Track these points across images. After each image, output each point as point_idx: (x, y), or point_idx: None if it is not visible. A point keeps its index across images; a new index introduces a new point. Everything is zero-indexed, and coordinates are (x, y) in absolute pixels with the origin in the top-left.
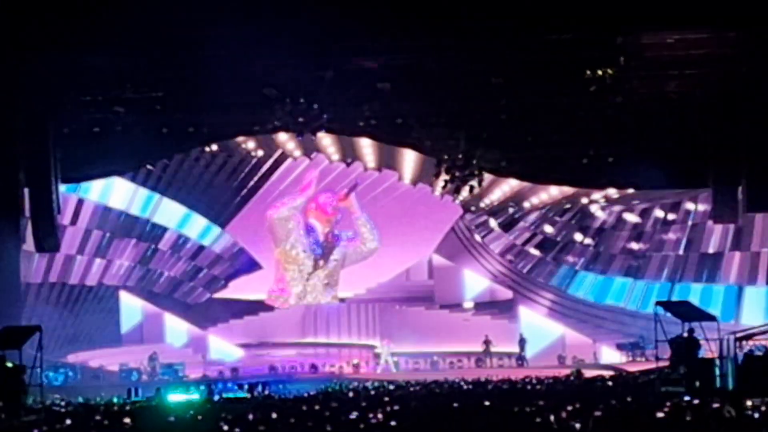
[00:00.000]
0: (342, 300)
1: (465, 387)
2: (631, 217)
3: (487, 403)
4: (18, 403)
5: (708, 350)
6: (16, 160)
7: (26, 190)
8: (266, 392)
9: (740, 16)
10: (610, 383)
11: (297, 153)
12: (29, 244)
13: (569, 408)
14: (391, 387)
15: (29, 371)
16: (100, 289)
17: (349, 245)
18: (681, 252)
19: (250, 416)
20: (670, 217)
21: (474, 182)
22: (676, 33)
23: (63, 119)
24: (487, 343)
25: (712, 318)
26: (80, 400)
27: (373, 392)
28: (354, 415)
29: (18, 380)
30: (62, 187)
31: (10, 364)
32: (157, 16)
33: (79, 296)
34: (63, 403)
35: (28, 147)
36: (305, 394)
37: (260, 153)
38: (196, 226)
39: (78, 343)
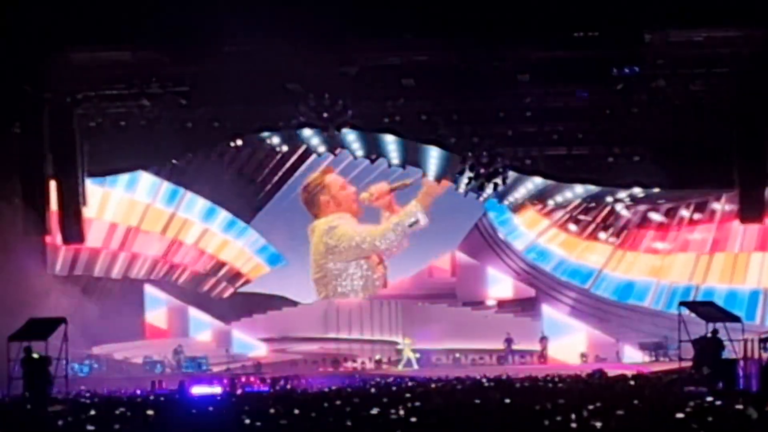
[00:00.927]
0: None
1: (486, 384)
2: (657, 216)
3: (508, 400)
4: (44, 394)
5: (732, 351)
6: (43, 153)
7: (53, 183)
8: (288, 387)
9: None
10: (632, 383)
11: (321, 149)
12: (55, 237)
13: (591, 407)
14: (412, 383)
15: (55, 362)
16: (125, 282)
17: None
18: (707, 252)
19: (272, 410)
20: (696, 216)
21: (498, 180)
22: (704, 31)
23: (89, 113)
24: (509, 341)
25: (736, 319)
26: (104, 391)
27: (394, 388)
28: (375, 410)
29: (44, 371)
30: (88, 181)
31: (36, 356)
32: (182, 10)
33: (104, 289)
34: (88, 395)
35: (54, 140)
36: (327, 390)
37: (285, 148)
38: (221, 221)
39: (103, 335)
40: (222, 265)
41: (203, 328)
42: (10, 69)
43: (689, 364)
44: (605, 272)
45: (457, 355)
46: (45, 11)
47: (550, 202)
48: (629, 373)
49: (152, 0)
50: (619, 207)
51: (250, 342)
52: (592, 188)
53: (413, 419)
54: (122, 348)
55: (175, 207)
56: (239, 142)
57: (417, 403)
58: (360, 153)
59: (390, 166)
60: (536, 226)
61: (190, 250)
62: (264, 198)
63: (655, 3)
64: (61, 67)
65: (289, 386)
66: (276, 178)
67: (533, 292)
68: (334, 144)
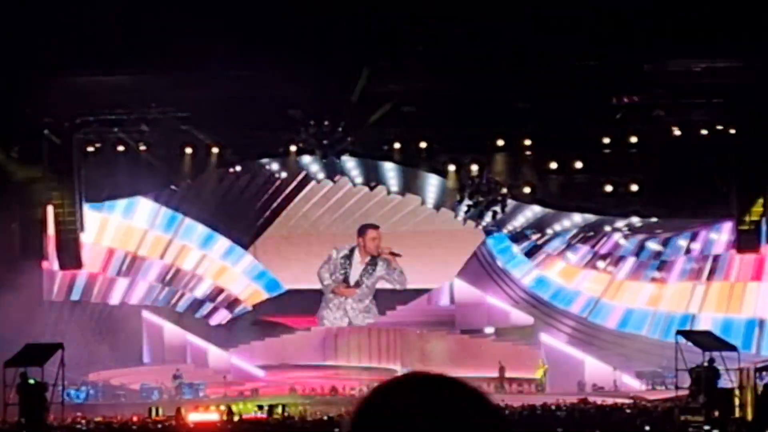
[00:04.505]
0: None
1: None
2: (654, 246)
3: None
4: (40, 420)
5: (728, 380)
6: (41, 178)
7: (50, 208)
8: (285, 414)
9: None
10: (629, 411)
11: (320, 175)
12: (53, 262)
13: None
14: None
15: (51, 388)
16: (123, 308)
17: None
18: (703, 282)
19: None
20: (693, 246)
21: (497, 208)
22: (703, 61)
23: (88, 138)
24: (501, 369)
25: (732, 348)
26: (100, 418)
27: None
28: None
29: (40, 397)
30: (86, 206)
31: (32, 381)
32: (182, 36)
33: (102, 315)
34: (84, 421)
35: (53, 165)
36: (324, 417)
37: (284, 175)
38: (219, 247)
39: (100, 361)
40: (220, 291)
41: (201, 354)
42: (10, 93)
43: (686, 392)
44: (603, 301)
45: None
46: (44, 35)
47: (549, 231)
48: (626, 401)
49: (152, 24)
50: (617, 236)
51: (248, 369)
52: (591, 217)
53: None
54: (119, 374)
55: (174, 233)
56: (238, 168)
57: None
58: (359, 180)
59: (389, 193)
60: (535, 255)
61: (188, 275)
62: (263, 224)
63: (654, 33)
64: (60, 91)
65: (286, 413)
66: (275, 204)
67: (531, 321)
68: (334, 171)
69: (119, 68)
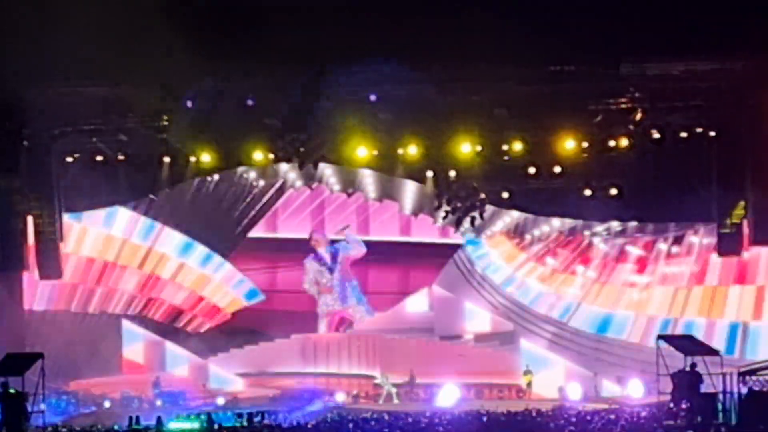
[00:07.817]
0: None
1: (464, 417)
2: (634, 250)
3: None
4: (20, 430)
5: (711, 385)
6: (21, 188)
7: (30, 218)
8: (265, 421)
9: (747, 48)
10: (612, 416)
11: (298, 183)
12: (33, 272)
13: None
14: (389, 418)
15: (31, 398)
16: (102, 317)
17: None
18: (685, 285)
19: None
20: (674, 250)
21: (475, 213)
22: (681, 64)
23: (67, 148)
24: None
25: (715, 352)
26: (81, 427)
27: (373, 423)
28: None
29: (20, 407)
30: (65, 216)
31: (12, 391)
32: (158, 46)
33: (82, 324)
34: (65, 431)
35: (32, 175)
36: (305, 424)
37: (261, 183)
38: (198, 256)
39: (80, 370)
40: (199, 299)
41: (180, 362)
42: None
43: (668, 397)
44: (583, 306)
45: (435, 389)
46: (22, 48)
47: (528, 236)
48: (607, 407)
49: (128, 36)
50: (596, 241)
51: (228, 377)
52: (570, 222)
53: None
54: (100, 383)
55: (152, 242)
56: (216, 177)
57: None
58: (337, 187)
59: (367, 200)
60: (514, 260)
61: (166, 284)
62: (241, 233)
63: (631, 36)
64: (38, 102)
65: (266, 421)
66: (253, 212)
67: (511, 326)
68: (311, 178)
69: (96, 80)
